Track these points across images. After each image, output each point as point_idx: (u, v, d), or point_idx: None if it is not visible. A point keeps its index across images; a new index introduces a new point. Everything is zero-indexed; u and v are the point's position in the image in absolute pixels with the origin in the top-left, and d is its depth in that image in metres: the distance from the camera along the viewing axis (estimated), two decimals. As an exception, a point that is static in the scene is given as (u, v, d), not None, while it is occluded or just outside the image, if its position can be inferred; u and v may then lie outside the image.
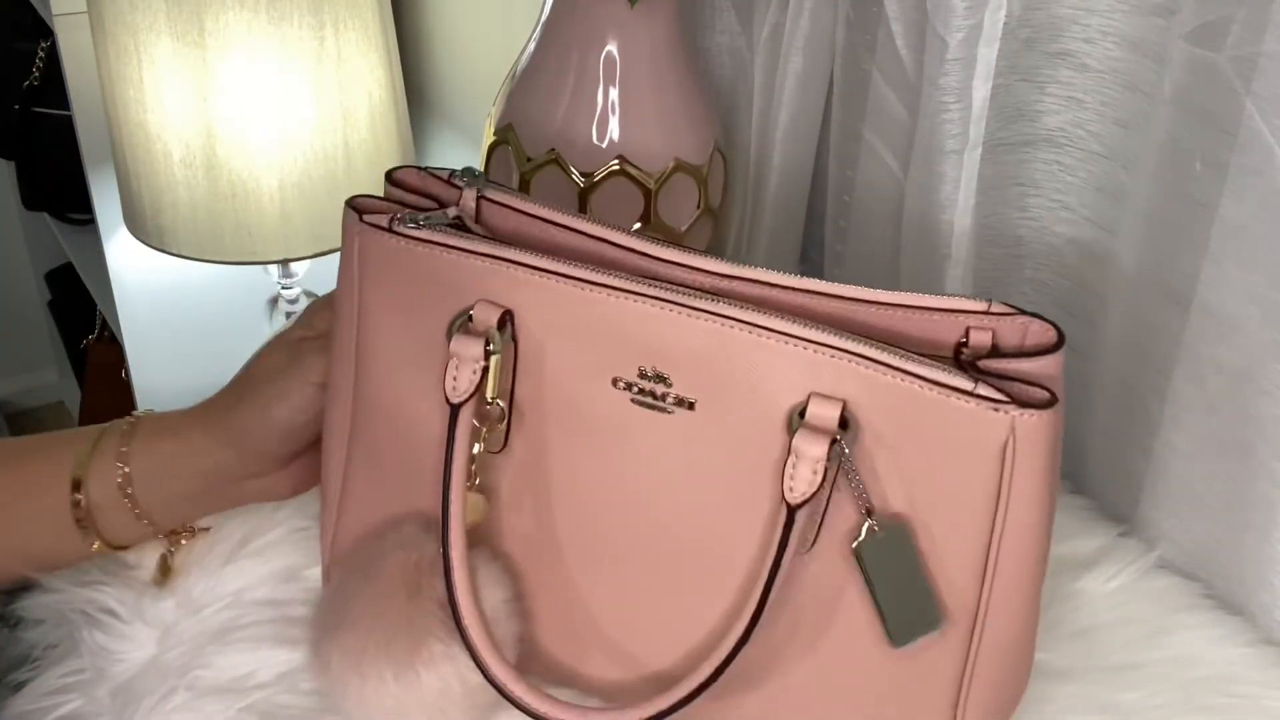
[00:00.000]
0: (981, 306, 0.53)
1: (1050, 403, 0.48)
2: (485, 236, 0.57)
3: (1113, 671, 0.62)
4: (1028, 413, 0.48)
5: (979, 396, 0.48)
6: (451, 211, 0.58)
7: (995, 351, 0.52)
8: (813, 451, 0.50)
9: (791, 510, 0.50)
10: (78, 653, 0.62)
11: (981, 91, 0.71)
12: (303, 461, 0.65)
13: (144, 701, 0.59)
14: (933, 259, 0.77)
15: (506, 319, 0.54)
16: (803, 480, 0.50)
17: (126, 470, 0.62)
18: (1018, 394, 0.49)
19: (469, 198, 0.59)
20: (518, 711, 0.53)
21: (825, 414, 0.50)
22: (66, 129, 1.51)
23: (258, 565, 0.66)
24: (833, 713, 0.55)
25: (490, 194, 0.59)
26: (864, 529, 0.51)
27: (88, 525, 0.62)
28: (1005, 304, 0.53)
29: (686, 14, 0.82)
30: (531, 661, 0.58)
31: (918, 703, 0.54)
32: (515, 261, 0.54)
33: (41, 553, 0.63)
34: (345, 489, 0.61)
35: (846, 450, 0.50)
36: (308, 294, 1.28)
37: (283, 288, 1.29)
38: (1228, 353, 0.64)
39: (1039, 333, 0.52)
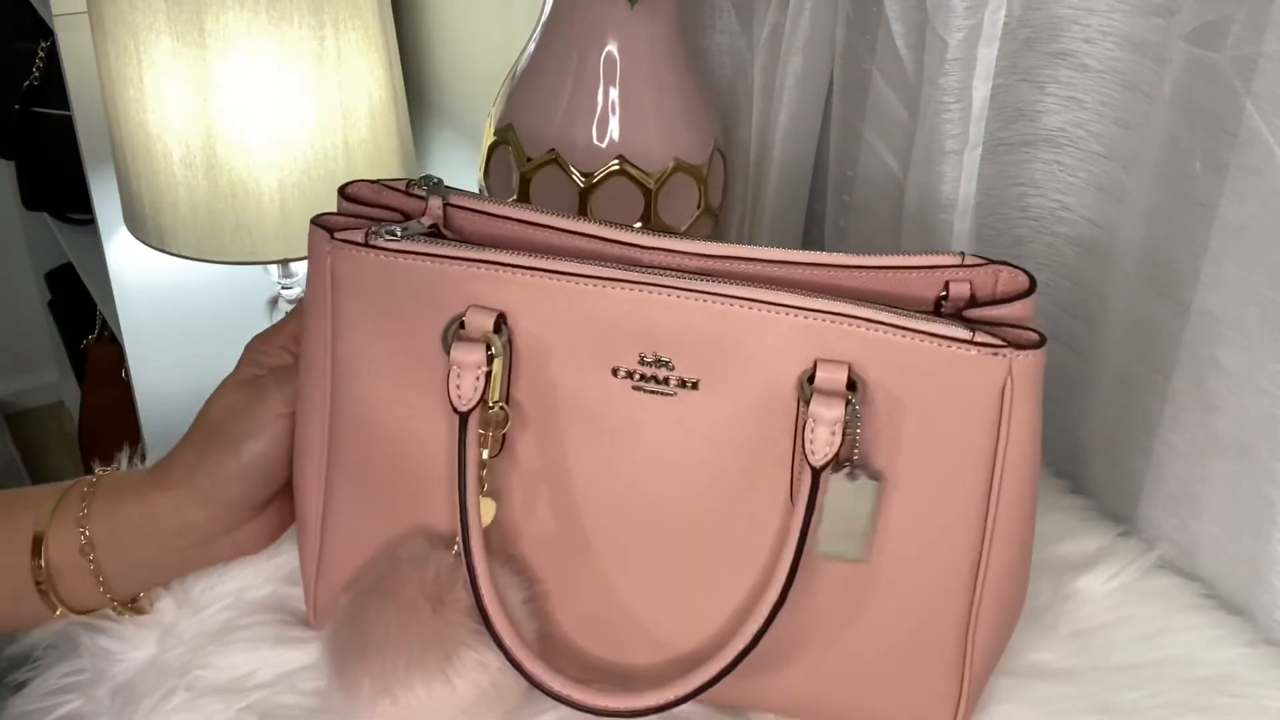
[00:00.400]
0: (955, 260, 0.56)
1: (1041, 342, 0.52)
2: (465, 242, 0.56)
3: (1113, 671, 0.62)
4: (1023, 354, 0.51)
5: (978, 344, 0.51)
6: (426, 220, 0.57)
7: (973, 301, 0.56)
8: (829, 414, 0.51)
9: (816, 473, 0.52)
10: (77, 653, 0.62)
11: (981, 91, 0.72)
12: (271, 510, 0.62)
13: (144, 702, 0.59)
14: (933, 259, 0.77)
15: (501, 322, 0.54)
16: (822, 443, 0.52)
17: (87, 534, 0.59)
18: (1011, 338, 0.52)
19: (435, 206, 0.58)
20: (546, 710, 0.54)
21: (834, 377, 0.52)
22: (66, 129, 1.51)
23: (258, 565, 0.66)
24: (860, 651, 0.57)
25: (455, 200, 0.59)
26: (842, 473, 0.53)
27: (48, 589, 0.59)
28: (976, 255, 0.56)
29: (686, 14, 0.82)
30: (562, 656, 0.58)
31: (932, 628, 0.56)
32: (504, 264, 0.54)
33: (1, 616, 0.61)
34: (327, 518, 0.60)
35: (858, 408, 0.52)
36: (308, 294, 1.28)
37: (283, 288, 1.29)
38: (1228, 353, 0.64)
39: (1009, 279, 0.56)
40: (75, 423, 1.98)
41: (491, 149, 0.83)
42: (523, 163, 0.80)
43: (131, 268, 1.48)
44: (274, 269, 1.26)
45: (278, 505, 0.63)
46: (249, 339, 0.64)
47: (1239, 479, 0.65)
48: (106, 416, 1.83)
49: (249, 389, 0.60)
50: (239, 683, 0.60)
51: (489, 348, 0.54)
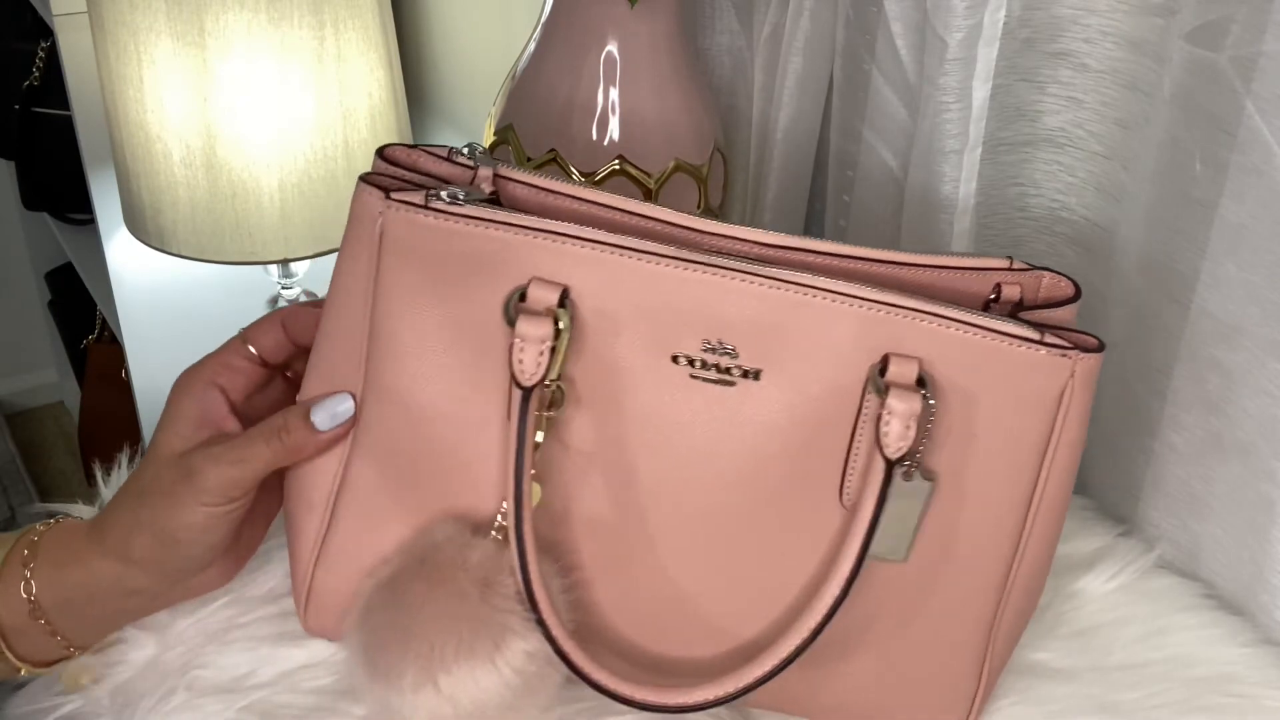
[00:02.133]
0: (1004, 264, 0.57)
1: (1101, 347, 0.52)
2: (529, 213, 0.54)
3: (1113, 671, 0.62)
4: (1088, 357, 0.52)
5: (1047, 344, 0.51)
6: (486, 187, 0.55)
7: (1021, 304, 0.56)
8: (905, 408, 0.51)
9: (890, 465, 0.52)
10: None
11: (981, 91, 0.71)
12: (227, 554, 0.60)
13: (143, 701, 0.59)
14: (933, 259, 0.77)
15: (564, 297, 0.52)
16: (896, 436, 0.51)
17: (34, 599, 0.57)
18: (1075, 340, 0.52)
19: (486, 175, 0.56)
20: (583, 697, 0.53)
21: (906, 372, 0.52)
22: (66, 129, 1.51)
23: (262, 565, 0.66)
24: (897, 649, 0.57)
25: (504, 172, 0.57)
26: (900, 473, 0.53)
27: (3, 649, 0.58)
28: (1022, 261, 0.57)
29: (686, 14, 0.82)
30: (601, 646, 0.57)
31: (964, 625, 0.56)
32: (573, 236, 0.52)
33: None
34: (341, 499, 0.57)
35: (933, 403, 0.52)
36: (308, 294, 1.29)
37: (283, 288, 1.29)
38: (1228, 353, 0.64)
39: (1051, 284, 0.57)
40: (75, 423, 1.98)
41: (491, 149, 0.83)
42: (523, 162, 0.80)
43: (131, 268, 1.48)
44: (274, 269, 1.26)
45: (233, 550, 0.61)
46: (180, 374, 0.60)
47: (1239, 479, 0.65)
48: (106, 416, 1.83)
49: (180, 468, 0.56)
50: (239, 682, 0.60)
51: (557, 322, 0.52)
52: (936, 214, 0.75)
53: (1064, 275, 0.56)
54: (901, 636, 0.56)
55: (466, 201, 0.53)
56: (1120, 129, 0.71)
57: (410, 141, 1.24)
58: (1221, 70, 0.60)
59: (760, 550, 0.55)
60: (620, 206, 0.56)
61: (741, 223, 0.92)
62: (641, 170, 0.79)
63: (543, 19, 0.81)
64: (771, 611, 0.56)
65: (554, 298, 0.52)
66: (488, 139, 0.84)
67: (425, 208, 0.52)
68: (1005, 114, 0.75)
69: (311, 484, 0.58)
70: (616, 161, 0.79)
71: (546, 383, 0.52)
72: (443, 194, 0.52)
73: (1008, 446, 0.53)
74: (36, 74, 1.73)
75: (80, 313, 1.95)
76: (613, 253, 0.52)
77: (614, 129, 0.79)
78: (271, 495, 0.61)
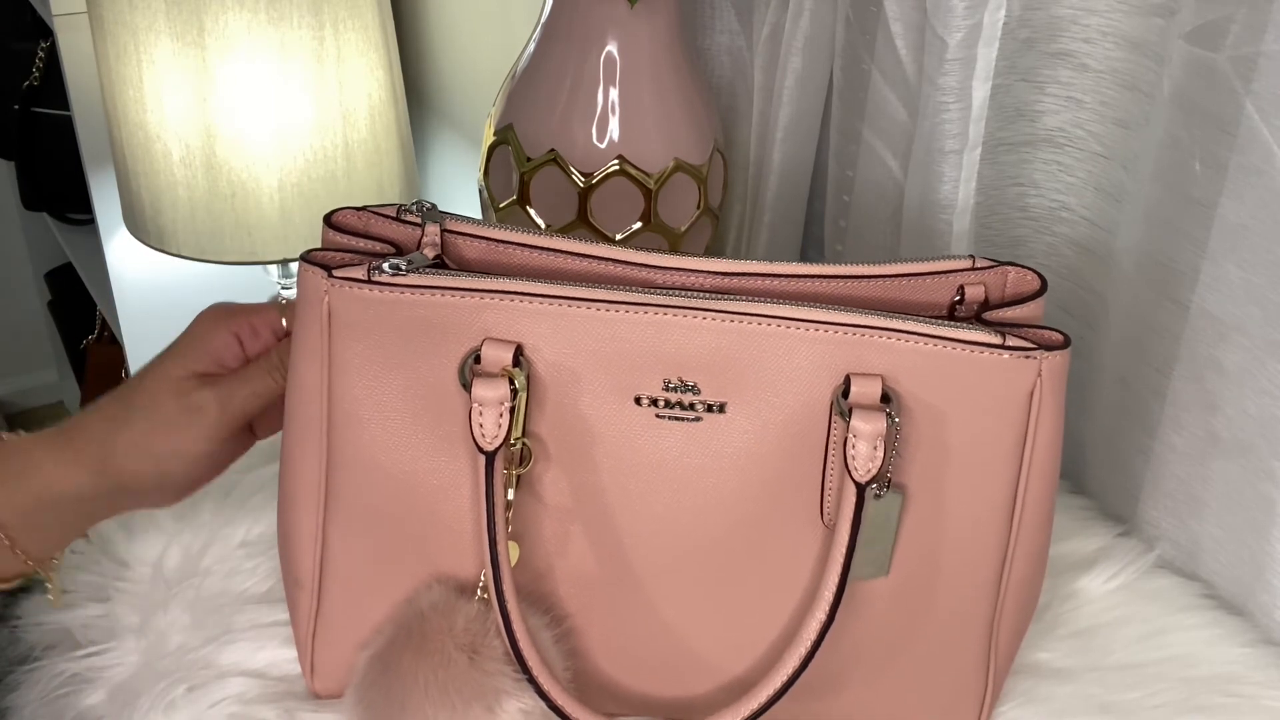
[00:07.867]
0: (966, 264, 0.56)
1: (1067, 343, 0.52)
2: (472, 272, 0.54)
3: (1113, 671, 0.62)
4: (1053, 355, 0.51)
5: (1010, 348, 0.51)
6: (430, 252, 0.55)
7: (986, 304, 0.56)
8: (869, 429, 0.51)
9: (860, 489, 0.51)
10: (76, 652, 0.62)
11: (981, 91, 0.71)
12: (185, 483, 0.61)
13: (143, 701, 0.59)
14: (933, 259, 0.77)
15: (518, 354, 0.52)
16: (864, 458, 0.51)
17: None
18: (1038, 339, 0.52)
19: (433, 233, 0.56)
20: None
21: (868, 391, 0.51)
22: (66, 129, 1.51)
23: (260, 564, 0.66)
24: (899, 660, 0.57)
25: (452, 225, 0.56)
26: (871, 493, 0.52)
27: None
28: (985, 258, 0.56)
29: (686, 14, 0.82)
30: (599, 693, 0.57)
31: (964, 630, 0.56)
32: (520, 293, 0.52)
33: None
34: (326, 572, 0.57)
35: (898, 421, 0.51)
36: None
37: (283, 288, 1.29)
38: (1228, 353, 0.64)
39: (1017, 279, 0.56)
40: (75, 423, 1.98)
41: (491, 149, 0.83)
42: (523, 163, 0.80)
43: (131, 268, 1.48)
44: (274, 269, 1.26)
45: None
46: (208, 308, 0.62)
47: (1239, 479, 0.65)
48: (107, 417, 1.82)
49: (185, 399, 0.58)
50: (238, 682, 0.60)
51: (512, 382, 0.52)
52: (936, 214, 0.75)
53: (1028, 268, 0.56)
54: (902, 653, 0.56)
55: (409, 270, 0.52)
56: (1120, 129, 0.71)
57: (410, 142, 1.24)
58: (1221, 70, 0.60)
59: (747, 580, 0.55)
60: (571, 250, 0.56)
61: (742, 223, 0.93)
62: (641, 170, 0.79)
63: (543, 19, 0.81)
64: (762, 643, 0.56)
65: (508, 357, 0.52)
66: (488, 139, 0.84)
67: (369, 282, 0.52)
68: (1005, 114, 0.75)
69: (297, 563, 0.58)
70: (616, 162, 0.79)
71: (511, 442, 0.52)
72: (385, 265, 0.52)
73: (982, 452, 0.53)
74: (36, 74, 1.73)
75: (80, 313, 1.95)
76: (561, 304, 0.52)
77: (614, 129, 0.79)
78: (237, 442, 0.62)
